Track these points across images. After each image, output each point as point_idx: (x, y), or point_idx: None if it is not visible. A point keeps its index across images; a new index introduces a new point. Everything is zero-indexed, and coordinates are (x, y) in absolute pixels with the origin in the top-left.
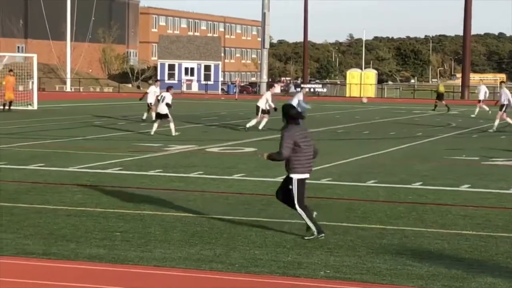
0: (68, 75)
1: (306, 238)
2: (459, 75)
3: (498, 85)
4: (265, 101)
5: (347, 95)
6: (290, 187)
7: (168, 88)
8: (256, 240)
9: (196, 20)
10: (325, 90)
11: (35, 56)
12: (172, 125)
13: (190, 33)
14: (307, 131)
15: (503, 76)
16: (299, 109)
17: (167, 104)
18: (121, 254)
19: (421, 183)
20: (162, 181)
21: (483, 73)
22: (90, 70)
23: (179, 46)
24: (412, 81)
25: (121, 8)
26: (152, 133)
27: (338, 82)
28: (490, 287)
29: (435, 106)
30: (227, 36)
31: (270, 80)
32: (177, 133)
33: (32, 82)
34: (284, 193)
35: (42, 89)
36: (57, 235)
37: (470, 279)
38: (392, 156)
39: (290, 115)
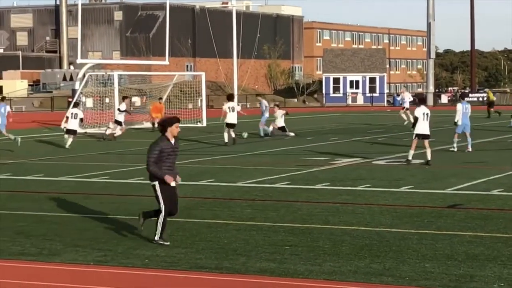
0: (235, 92)
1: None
2: None
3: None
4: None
5: None
6: None
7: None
8: (426, 253)
9: (360, 33)
10: (494, 98)
11: (203, 74)
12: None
13: (355, 46)
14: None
15: None
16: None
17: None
18: (290, 267)
19: None
20: (330, 195)
21: None
22: (256, 86)
23: (344, 59)
24: None
25: (285, 24)
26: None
27: (508, 90)
28: None
29: (489, 113)
30: (391, 48)
31: (437, 90)
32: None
33: (201, 100)
34: None
35: (210, 106)
36: (228, 249)
37: None
38: None
39: None
